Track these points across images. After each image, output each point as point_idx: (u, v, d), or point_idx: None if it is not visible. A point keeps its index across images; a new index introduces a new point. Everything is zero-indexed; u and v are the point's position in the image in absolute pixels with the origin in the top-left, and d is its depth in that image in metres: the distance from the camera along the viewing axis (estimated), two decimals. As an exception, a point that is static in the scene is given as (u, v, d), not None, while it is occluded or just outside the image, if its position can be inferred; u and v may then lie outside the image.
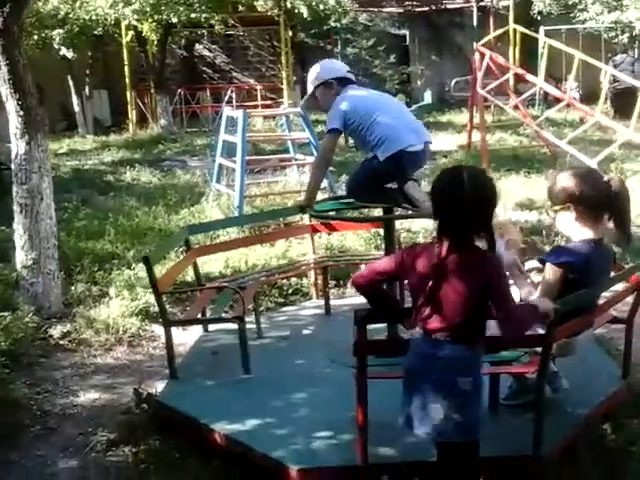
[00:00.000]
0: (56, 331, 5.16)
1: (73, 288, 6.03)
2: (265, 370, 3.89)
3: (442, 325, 2.48)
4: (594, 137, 12.56)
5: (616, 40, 18.23)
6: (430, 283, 2.45)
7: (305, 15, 14.52)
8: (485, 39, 12.34)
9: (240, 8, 16.00)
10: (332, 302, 4.96)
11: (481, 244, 2.52)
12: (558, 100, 11.72)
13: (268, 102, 19.08)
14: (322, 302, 4.96)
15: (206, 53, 23.23)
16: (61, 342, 5.06)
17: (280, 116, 8.75)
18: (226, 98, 18.46)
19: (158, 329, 5.30)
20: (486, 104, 12.25)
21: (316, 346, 4.22)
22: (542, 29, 16.06)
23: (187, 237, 4.46)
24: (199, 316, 4.32)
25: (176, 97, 18.96)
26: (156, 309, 5.46)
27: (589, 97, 16.11)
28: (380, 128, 3.69)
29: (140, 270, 6.21)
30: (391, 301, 3.00)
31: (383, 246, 6.47)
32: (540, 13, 18.67)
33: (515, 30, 15.28)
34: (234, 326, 3.95)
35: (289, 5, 14.80)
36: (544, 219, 7.72)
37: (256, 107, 18.52)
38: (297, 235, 5.71)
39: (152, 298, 5.50)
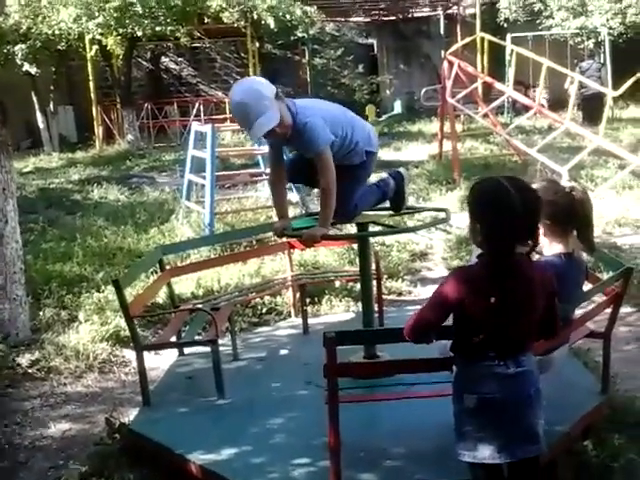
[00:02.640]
0: (24, 359, 5.00)
1: (41, 313, 5.88)
2: (241, 394, 3.80)
3: (516, 344, 2.45)
4: (563, 144, 12.68)
5: (582, 46, 18.49)
6: (495, 306, 2.37)
7: (272, 26, 14.48)
8: (453, 47, 12.40)
9: (206, 20, 15.89)
10: (309, 320, 4.88)
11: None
12: (527, 108, 11.83)
13: (236, 115, 19.02)
14: (299, 321, 4.88)
15: (172, 66, 23.10)
16: (29, 371, 4.91)
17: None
18: (194, 112, 18.34)
19: (130, 354, 5.18)
20: (456, 113, 12.29)
21: (293, 367, 4.14)
22: (509, 36, 16.24)
23: (160, 258, 4.35)
24: (173, 339, 4.20)
25: (143, 112, 18.79)
26: (127, 333, 5.34)
27: (557, 103, 16.29)
28: (358, 131, 3.56)
29: (110, 293, 6.08)
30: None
31: (357, 261, 6.54)
32: (507, 20, 18.87)
33: (483, 38, 15.40)
34: (207, 348, 3.85)
35: (255, 16, 14.73)
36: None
37: (224, 120, 18.41)
38: (273, 253, 5.63)
39: (123, 322, 5.39)
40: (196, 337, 4.19)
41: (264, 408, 3.61)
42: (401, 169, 3.94)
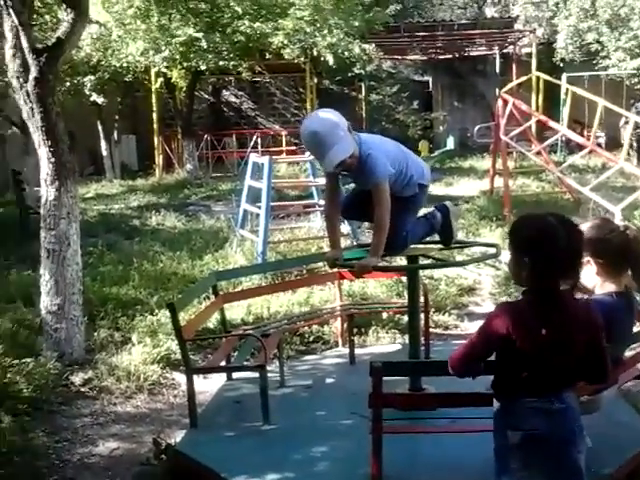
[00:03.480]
0: (77, 378, 5.15)
1: (96, 334, 6.05)
2: (286, 421, 3.84)
3: (560, 380, 2.45)
4: (617, 183, 12.47)
5: (639, 86, 18.24)
6: (544, 340, 2.38)
7: (331, 63, 14.72)
8: (508, 86, 12.40)
9: (267, 55, 16.27)
10: (356, 351, 4.90)
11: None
12: (580, 146, 11.71)
13: (292, 147, 19.30)
14: (346, 350, 4.91)
15: (233, 99, 23.65)
16: (82, 389, 5.05)
17: (305, 162, 8.80)
18: (251, 143, 18.71)
19: (179, 377, 5.28)
20: (509, 150, 12.23)
21: (339, 397, 4.17)
22: (564, 75, 16.16)
23: (215, 283, 4.46)
24: (222, 364, 4.27)
25: (202, 142, 19.26)
26: (177, 356, 5.48)
27: (612, 143, 16.08)
28: (413, 165, 3.67)
29: (162, 316, 6.23)
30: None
31: (406, 293, 6.54)
32: (563, 60, 18.78)
33: (538, 77, 15.36)
34: (256, 373, 3.91)
35: (315, 53, 15.02)
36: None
37: (281, 152, 18.74)
38: (324, 282, 5.69)
39: (174, 345, 5.54)
40: (245, 362, 4.23)
41: (308, 436, 3.64)
42: (447, 202, 3.99)
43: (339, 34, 14.50)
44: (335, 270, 4.86)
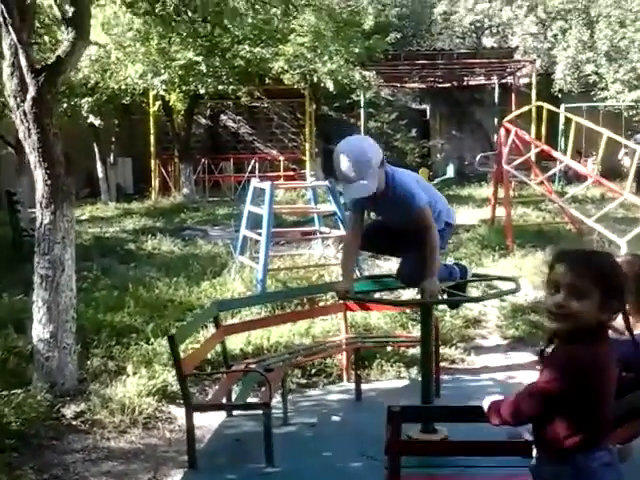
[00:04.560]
0: (69, 411, 4.91)
1: (89, 363, 5.82)
2: (291, 463, 3.62)
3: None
4: (618, 214, 12.34)
5: (637, 118, 18.26)
6: (611, 386, 2.26)
7: (331, 89, 14.66)
8: (511, 115, 12.33)
9: (267, 80, 16.22)
10: (362, 386, 4.69)
11: None
12: (578, 176, 11.63)
13: (290, 173, 19.21)
14: (351, 385, 4.71)
15: (230, 123, 23.59)
16: (74, 423, 4.80)
17: (307, 188, 8.63)
18: (249, 168, 18.60)
19: (175, 410, 5.05)
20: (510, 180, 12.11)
21: (346, 436, 3.96)
22: (562, 106, 16.13)
23: (217, 314, 4.26)
24: (224, 400, 4.05)
25: (200, 166, 19.12)
26: (174, 389, 5.26)
27: (608, 173, 16.03)
28: (440, 201, 3.66)
29: (158, 345, 6.02)
30: None
31: (409, 325, 6.34)
32: (561, 91, 18.81)
33: (539, 107, 15.26)
34: (259, 410, 3.70)
35: (315, 79, 14.96)
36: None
37: (279, 177, 18.64)
38: (330, 314, 5.48)
39: (170, 377, 5.32)
40: (248, 399, 4.00)
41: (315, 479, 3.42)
42: (466, 264, 3.88)
43: (339, 61, 14.48)
44: (341, 301, 4.69)
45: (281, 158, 20.09)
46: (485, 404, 2.55)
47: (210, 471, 3.60)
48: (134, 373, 5.42)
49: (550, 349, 2.42)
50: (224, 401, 3.89)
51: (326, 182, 7.98)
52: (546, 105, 12.04)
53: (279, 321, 5.10)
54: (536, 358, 5.88)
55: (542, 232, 11.31)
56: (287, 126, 23.33)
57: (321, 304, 6.43)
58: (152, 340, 6.14)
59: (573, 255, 2.36)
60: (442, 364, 5.58)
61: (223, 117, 23.34)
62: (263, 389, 3.92)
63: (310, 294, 5.72)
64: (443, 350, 5.96)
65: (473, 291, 6.35)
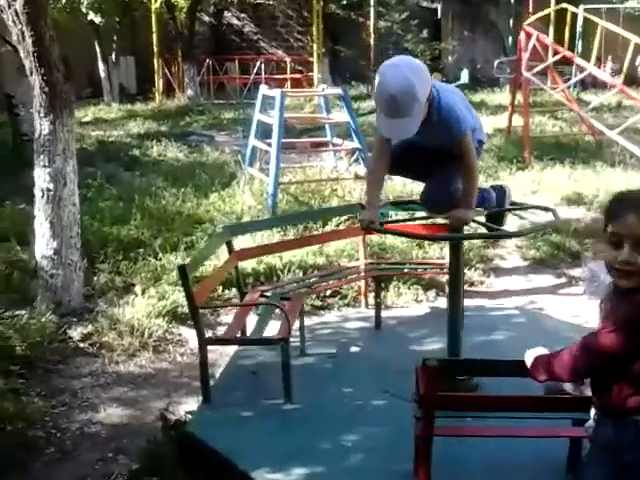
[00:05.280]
0: (76, 332, 4.74)
1: (95, 279, 5.64)
2: (310, 399, 3.44)
3: None
4: (637, 125, 11.85)
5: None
6: None
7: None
8: (532, 18, 11.59)
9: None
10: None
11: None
12: (595, 82, 11.03)
13: (297, 75, 18.52)
14: (369, 312, 4.51)
15: (234, 22, 22.62)
16: (81, 345, 4.65)
17: (319, 97, 8.17)
18: (255, 70, 17.94)
19: (186, 332, 4.90)
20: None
21: (366, 369, 3.77)
22: (581, 8, 15.27)
23: (229, 239, 3.99)
24: (239, 333, 3.83)
25: (204, 67, 18.43)
26: (185, 310, 5.07)
27: (627, 80, 15.41)
28: (475, 119, 3.35)
29: (167, 262, 5.82)
30: None
31: (428, 246, 6.07)
32: (579, -9, 17.78)
33: (566, 10, 14.46)
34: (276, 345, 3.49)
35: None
36: (595, 216, 7.17)
37: (285, 80, 18.00)
38: (348, 237, 5.21)
39: (181, 297, 5.13)
40: (265, 327, 3.78)
41: (337, 419, 3.25)
42: (505, 185, 3.54)
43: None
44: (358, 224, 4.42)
45: (287, 59, 19.30)
46: (528, 359, 2.32)
47: (226, 406, 3.43)
48: (143, 292, 5.24)
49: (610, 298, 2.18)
50: (239, 334, 3.66)
51: (339, 89, 7.54)
52: (570, 7, 11.32)
53: (295, 245, 4.84)
54: (558, 281, 5.69)
55: (561, 145, 10.90)
56: (293, 25, 22.36)
57: (337, 224, 6.18)
58: (160, 255, 5.94)
59: (634, 202, 2.05)
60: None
61: (226, 15, 22.33)
62: (280, 320, 3.69)
63: (333, 215, 5.44)
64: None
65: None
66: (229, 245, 4.03)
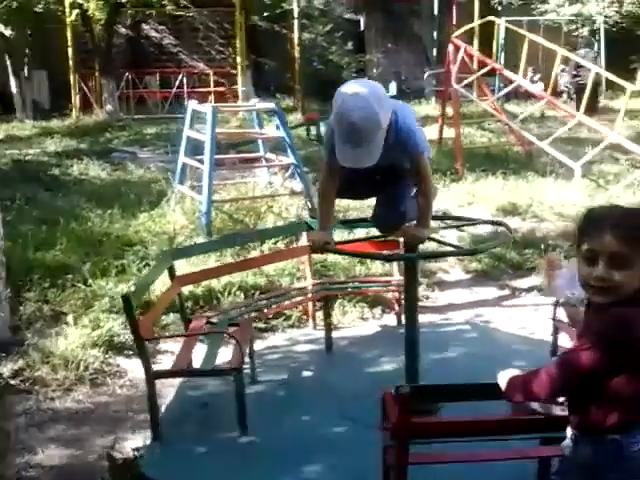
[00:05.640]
0: (6, 369, 4.42)
1: (22, 309, 5.30)
2: (267, 430, 3.29)
3: None
4: (562, 135, 12.25)
5: (576, 33, 18.08)
6: None
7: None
8: (460, 30, 11.76)
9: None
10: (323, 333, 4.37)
11: None
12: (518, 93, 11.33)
13: (221, 88, 18.27)
14: (317, 333, 4.39)
15: (153, 34, 22.15)
16: (12, 382, 4.32)
17: (250, 111, 8.00)
18: (177, 83, 17.61)
19: (124, 362, 4.65)
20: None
21: (322, 394, 3.65)
22: (503, 20, 15.74)
23: (171, 264, 3.80)
24: (188, 363, 3.63)
25: (123, 81, 17.95)
26: (121, 339, 4.86)
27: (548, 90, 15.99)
28: (423, 135, 3.28)
29: (98, 287, 5.54)
30: None
31: (370, 262, 5.97)
32: (500, 3, 18.36)
33: (493, 22, 14.81)
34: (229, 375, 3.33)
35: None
36: (530, 226, 7.31)
37: (209, 93, 17.71)
38: (295, 257, 5.07)
39: (116, 325, 4.89)
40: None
41: (297, 451, 3.11)
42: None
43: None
44: (305, 244, 4.33)
45: (210, 72, 19.02)
46: (502, 380, 2.27)
47: (178, 442, 3.23)
48: (75, 322, 4.96)
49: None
50: (188, 365, 3.47)
51: (272, 104, 7.42)
52: (497, 20, 11.59)
53: (240, 267, 4.66)
54: (502, 293, 5.72)
55: (491, 155, 11.06)
56: (214, 37, 22.07)
57: (274, 242, 6.03)
58: (90, 281, 5.64)
59: (607, 219, 2.04)
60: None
61: (145, 27, 21.86)
62: (228, 347, 3.53)
63: (276, 235, 5.30)
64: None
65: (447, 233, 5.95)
66: (171, 270, 3.84)
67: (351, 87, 2.86)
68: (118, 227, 7.06)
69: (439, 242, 3.38)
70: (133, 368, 4.62)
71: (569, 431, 2.19)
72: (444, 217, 4.11)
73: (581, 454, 2.11)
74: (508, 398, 2.27)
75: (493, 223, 3.49)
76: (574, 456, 2.14)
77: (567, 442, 2.18)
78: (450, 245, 3.28)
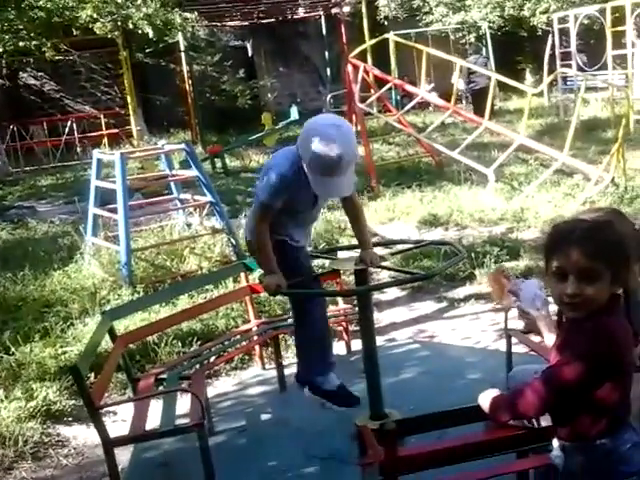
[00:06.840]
0: (-63, 455, 4.07)
1: (-61, 387, 4.91)
2: (236, 483, 3.17)
3: None
4: (462, 140, 12.59)
5: (464, 40, 18.80)
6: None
7: (151, 35, 13.54)
8: (357, 50, 11.85)
9: (74, 32, 14.69)
10: (269, 369, 4.30)
11: None
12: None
13: (114, 130, 17.81)
14: (267, 374, 4.29)
15: (32, 81, 21.39)
16: (-56, 470, 4.00)
17: (160, 155, 7.78)
18: (67, 130, 17.07)
19: (65, 430, 4.39)
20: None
21: (286, 436, 3.54)
22: (392, 33, 16.18)
23: (111, 326, 3.62)
24: (145, 425, 3.44)
25: (7, 134, 17.16)
26: (58, 406, 4.58)
27: (444, 97, 16.52)
28: None
29: (22, 355, 5.22)
30: None
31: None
32: (386, 18, 18.87)
33: (389, 39, 15.15)
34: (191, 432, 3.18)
35: (131, 26, 13.73)
36: (453, 235, 7.43)
37: (102, 137, 17.22)
38: (235, 300, 4.93)
39: (51, 393, 4.62)
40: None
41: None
42: None
43: (155, 4, 13.39)
44: (244, 285, 4.27)
45: (101, 115, 18.50)
46: (483, 402, 2.28)
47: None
48: (6, 396, 4.64)
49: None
50: (145, 428, 3.30)
51: (183, 145, 7.27)
52: (393, 37, 11.87)
53: (183, 318, 4.49)
54: (440, 305, 5.73)
55: (404, 169, 11.19)
56: (98, 78, 21.55)
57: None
58: (13, 349, 5.32)
59: (572, 234, 2.08)
60: (350, 327, 5.26)
61: (23, 75, 21.07)
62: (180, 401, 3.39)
63: (216, 279, 5.15)
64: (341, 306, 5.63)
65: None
66: (111, 331, 3.66)
67: (329, 121, 3.03)
68: (33, 288, 6.69)
69: (392, 269, 3.38)
70: (76, 435, 4.36)
71: (556, 442, 2.22)
72: (388, 242, 4.12)
73: (573, 462, 2.14)
74: (493, 419, 2.29)
75: (441, 244, 3.54)
76: (567, 465, 2.17)
77: (556, 452, 2.20)
78: (401, 271, 3.28)
